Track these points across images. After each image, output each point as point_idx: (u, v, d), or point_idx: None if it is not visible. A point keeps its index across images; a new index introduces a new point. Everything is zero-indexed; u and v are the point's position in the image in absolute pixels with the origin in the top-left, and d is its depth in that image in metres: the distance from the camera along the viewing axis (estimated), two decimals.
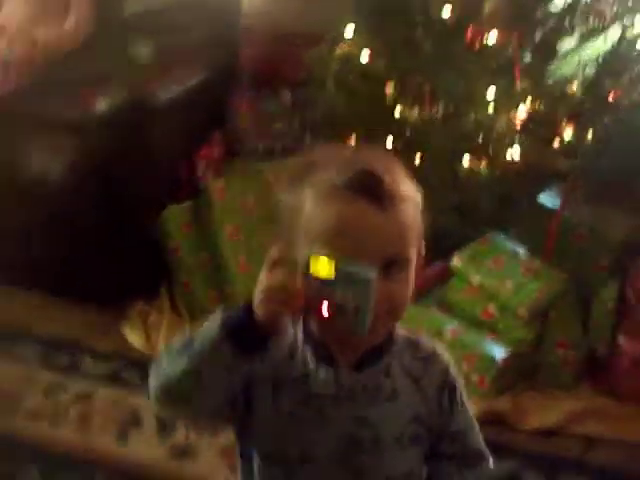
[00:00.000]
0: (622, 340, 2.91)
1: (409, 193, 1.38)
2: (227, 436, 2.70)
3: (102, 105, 3.04)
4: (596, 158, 2.85)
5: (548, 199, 3.03)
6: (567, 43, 2.88)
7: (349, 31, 3.06)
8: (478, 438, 1.54)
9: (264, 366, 1.33)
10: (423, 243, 1.43)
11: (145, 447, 2.69)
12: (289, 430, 1.42)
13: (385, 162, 1.41)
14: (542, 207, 3.02)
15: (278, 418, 1.42)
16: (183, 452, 2.66)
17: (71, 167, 3.07)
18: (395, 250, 1.35)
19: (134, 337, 3.14)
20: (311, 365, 1.42)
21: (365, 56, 3.00)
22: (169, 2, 3.64)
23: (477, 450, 1.53)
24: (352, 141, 3.10)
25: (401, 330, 1.49)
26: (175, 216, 3.22)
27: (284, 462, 1.43)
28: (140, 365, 3.00)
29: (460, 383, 1.51)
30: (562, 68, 2.84)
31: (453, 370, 1.51)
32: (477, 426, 1.54)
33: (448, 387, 1.48)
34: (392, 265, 1.35)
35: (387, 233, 1.34)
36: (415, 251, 1.39)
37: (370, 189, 1.32)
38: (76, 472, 2.57)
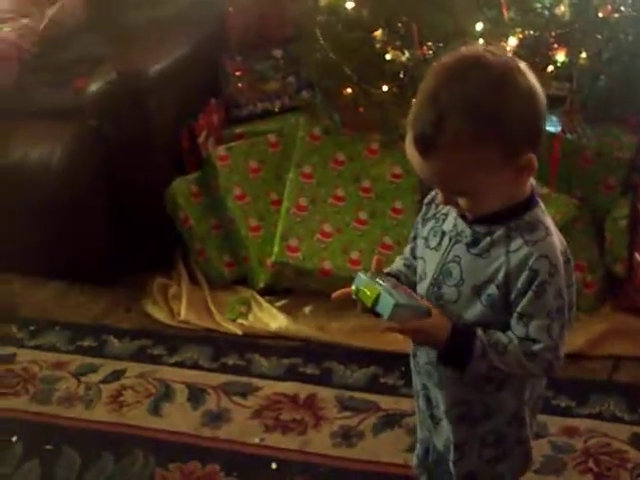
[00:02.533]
0: (639, 257, 2.91)
1: (456, 140, 1.50)
2: (256, 400, 2.74)
3: (95, 87, 3.02)
4: (592, 78, 2.83)
5: (549, 124, 3.01)
6: None
7: None
8: (543, 330, 1.60)
9: None
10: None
11: (178, 417, 2.71)
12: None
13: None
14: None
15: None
16: (216, 417, 2.69)
17: (72, 152, 3.08)
18: (442, 186, 1.61)
19: (157, 311, 3.17)
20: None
21: (350, 4, 2.98)
22: None
23: (535, 338, 1.60)
24: (348, 91, 3.10)
25: (533, 215, 1.61)
26: (182, 188, 3.23)
27: None
28: (166, 338, 3.04)
29: (547, 275, 1.57)
30: None
31: (544, 261, 1.57)
32: (553, 322, 1.60)
33: (529, 270, 1.57)
34: None
35: (428, 174, 1.57)
36: (476, 180, 1.55)
37: (415, 139, 1.54)
38: (114, 449, 2.60)
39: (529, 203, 1.62)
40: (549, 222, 1.63)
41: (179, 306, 3.16)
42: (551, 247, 1.59)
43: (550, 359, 1.62)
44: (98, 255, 3.19)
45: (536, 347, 1.60)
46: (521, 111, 1.52)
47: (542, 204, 1.64)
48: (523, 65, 1.57)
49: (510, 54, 2.71)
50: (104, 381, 2.89)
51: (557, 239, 1.62)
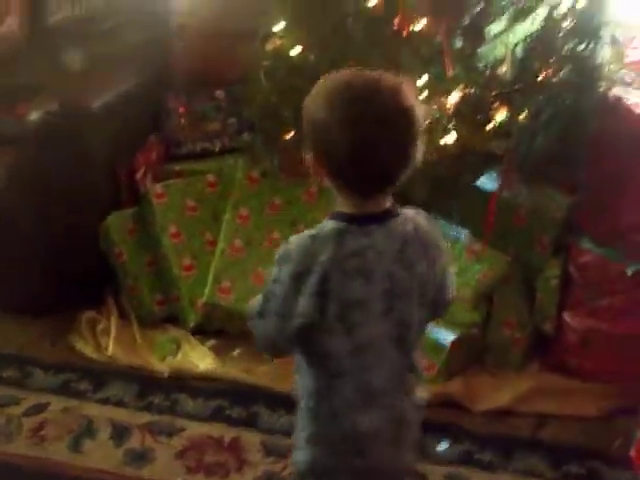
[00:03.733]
0: (567, 317, 2.95)
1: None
2: (181, 441, 2.72)
3: (36, 116, 3.00)
4: (530, 138, 2.87)
5: (486, 181, 3.05)
6: (496, 26, 2.89)
7: (279, 25, 3.07)
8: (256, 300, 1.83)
9: None
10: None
11: (100, 454, 2.68)
12: None
13: None
14: (481, 190, 3.04)
15: None
16: (140, 456, 2.66)
17: (9, 179, 3.04)
18: None
19: (84, 346, 3.14)
20: None
21: (296, 49, 3.00)
22: (99, 6, 3.62)
23: None
24: (290, 137, 3.11)
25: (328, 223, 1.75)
26: (117, 223, 3.22)
27: None
28: (92, 374, 3.00)
29: (275, 259, 1.77)
30: (492, 51, 2.85)
31: (281, 247, 1.77)
32: (262, 297, 1.80)
33: None
34: None
35: None
36: None
37: None
38: None
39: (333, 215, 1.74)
40: (326, 229, 1.72)
41: (107, 341, 3.12)
42: (295, 241, 1.73)
43: (250, 327, 1.85)
44: (28, 285, 3.15)
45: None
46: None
47: (354, 228, 1.72)
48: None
49: (451, 110, 2.78)
50: (26, 414, 2.85)
51: (317, 248, 1.70)
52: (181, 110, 3.50)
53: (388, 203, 1.74)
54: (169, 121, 3.50)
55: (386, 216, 1.74)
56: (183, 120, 3.50)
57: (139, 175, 3.29)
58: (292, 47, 3.01)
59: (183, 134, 3.49)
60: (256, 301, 1.81)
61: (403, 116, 1.67)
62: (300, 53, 2.99)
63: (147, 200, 3.22)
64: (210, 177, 3.29)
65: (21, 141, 3.06)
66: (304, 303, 1.70)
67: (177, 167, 3.43)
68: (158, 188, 3.23)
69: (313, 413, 1.80)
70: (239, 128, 3.51)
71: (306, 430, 1.81)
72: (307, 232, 1.74)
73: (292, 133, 3.08)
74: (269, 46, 3.11)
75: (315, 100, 1.70)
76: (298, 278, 1.70)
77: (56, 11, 3.59)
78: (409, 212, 1.79)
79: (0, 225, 3.05)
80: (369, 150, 1.65)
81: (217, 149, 3.51)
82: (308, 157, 1.72)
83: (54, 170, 3.04)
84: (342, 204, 1.74)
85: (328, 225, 1.73)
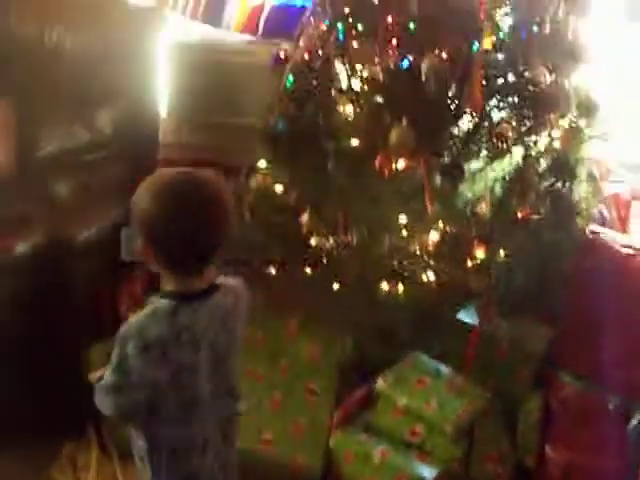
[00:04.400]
0: (549, 450, 2.95)
1: None
2: None
3: (22, 249, 3.03)
4: (509, 274, 2.92)
5: (467, 316, 3.09)
6: (474, 165, 2.96)
7: (262, 163, 3.14)
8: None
9: None
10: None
11: None
12: None
13: None
14: (461, 324, 3.08)
15: None
16: None
17: None
18: None
19: None
20: None
21: (279, 187, 3.06)
22: (84, 140, 3.68)
23: None
24: (271, 271, 3.15)
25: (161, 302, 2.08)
26: (99, 354, 3.21)
27: None
28: None
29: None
30: (471, 189, 2.92)
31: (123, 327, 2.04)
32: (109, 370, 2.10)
33: None
34: None
35: None
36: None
37: None
38: None
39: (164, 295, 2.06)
40: (160, 308, 2.03)
41: (86, 476, 3.10)
42: (135, 321, 2.04)
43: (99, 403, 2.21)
44: (7, 412, 3.13)
45: None
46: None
47: (184, 305, 2.03)
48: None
49: (431, 247, 2.83)
50: None
51: (155, 325, 2.00)
52: None
53: (212, 274, 2.11)
54: None
55: (211, 291, 2.08)
56: None
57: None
58: (275, 184, 3.08)
59: None
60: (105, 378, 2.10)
61: (218, 208, 2.05)
62: (283, 191, 3.05)
63: None
64: None
65: (5, 271, 3.08)
66: (149, 371, 1.98)
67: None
68: None
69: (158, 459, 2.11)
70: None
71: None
72: (144, 312, 2.05)
73: (275, 268, 3.13)
74: (253, 182, 3.17)
75: (144, 195, 2.01)
76: (143, 351, 1.96)
77: (44, 144, 3.67)
78: (230, 283, 2.17)
79: None
80: (189, 239, 1.99)
81: None
82: (139, 243, 2.03)
83: (37, 301, 3.05)
84: (171, 284, 2.07)
85: (161, 304, 2.04)
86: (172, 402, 2.03)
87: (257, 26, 3.73)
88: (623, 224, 3.54)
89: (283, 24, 3.71)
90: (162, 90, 3.75)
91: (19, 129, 3.65)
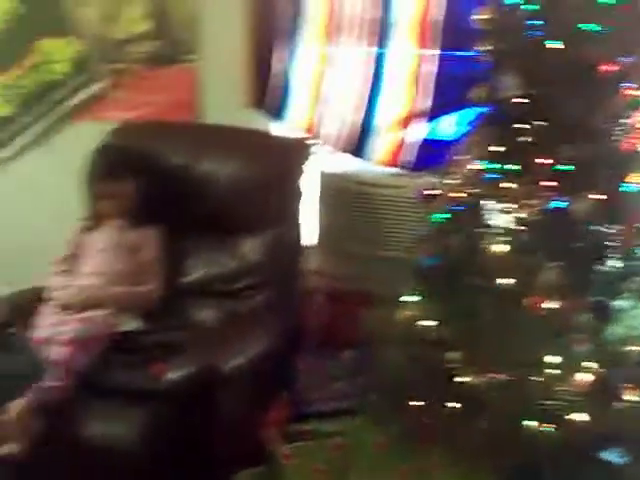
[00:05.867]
0: None
1: None
2: None
3: (172, 375, 3.11)
4: None
5: (614, 457, 3.02)
6: (624, 303, 2.94)
7: (409, 296, 3.17)
8: None
9: None
10: None
11: None
12: None
13: None
14: (608, 465, 3.01)
15: None
16: None
17: (142, 435, 3.12)
18: None
19: None
20: None
21: (426, 321, 3.08)
22: (229, 267, 3.78)
23: None
24: (415, 402, 3.15)
25: None
26: None
27: None
28: None
29: None
30: (621, 329, 2.90)
31: None
32: None
33: None
34: None
35: None
36: None
37: None
38: None
39: None
40: None
41: None
42: None
43: None
44: None
45: None
46: None
47: None
48: None
49: (581, 388, 2.80)
50: None
51: None
52: (309, 370, 3.59)
53: None
54: (297, 381, 3.58)
55: None
56: (310, 379, 3.58)
57: (269, 434, 3.35)
58: (423, 319, 3.10)
59: (310, 393, 3.57)
60: None
61: None
62: (430, 326, 3.07)
63: (276, 460, 3.26)
64: (337, 440, 3.32)
65: (155, 398, 3.16)
66: None
67: (303, 427, 3.48)
68: (287, 449, 3.28)
69: None
70: (365, 390, 3.57)
71: None
72: None
73: (419, 401, 3.13)
74: (398, 315, 3.20)
75: None
76: None
77: (191, 271, 3.79)
78: None
79: (135, 477, 3.10)
80: None
81: (342, 409, 3.56)
82: None
83: (186, 430, 3.11)
84: None
85: None
86: None
87: (399, 159, 3.80)
88: None
89: (429, 158, 3.78)
90: (308, 220, 3.84)
91: (166, 257, 3.80)
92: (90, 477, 3.17)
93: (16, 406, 3.06)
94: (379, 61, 3.78)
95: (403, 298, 3.22)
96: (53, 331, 3.42)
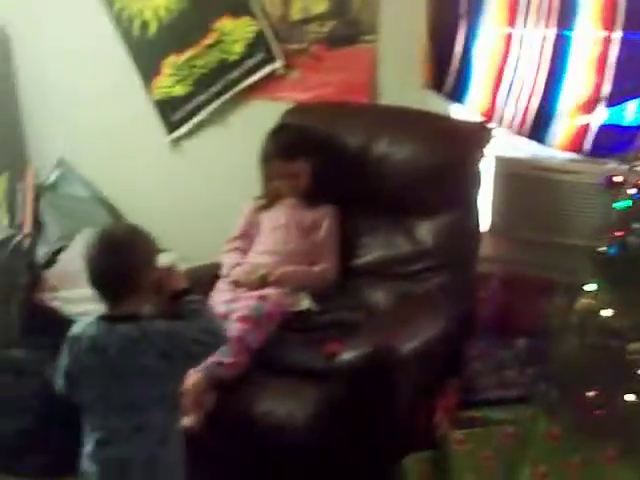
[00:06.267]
0: None
1: None
2: None
3: (347, 356, 3.11)
4: None
5: None
6: None
7: (590, 285, 3.10)
8: None
9: None
10: None
11: None
12: None
13: None
14: None
15: None
16: None
17: (314, 414, 3.14)
18: None
19: None
20: None
21: (607, 313, 3.01)
22: (404, 250, 3.76)
23: None
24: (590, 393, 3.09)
25: None
26: (414, 465, 3.24)
27: None
28: None
29: None
30: None
31: None
32: None
33: None
34: None
35: None
36: None
37: None
38: None
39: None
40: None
41: None
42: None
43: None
44: None
45: None
46: None
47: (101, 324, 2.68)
48: None
49: None
50: None
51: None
52: (480, 356, 3.55)
53: (134, 309, 2.66)
54: (467, 367, 3.55)
55: (124, 319, 2.63)
56: (481, 366, 3.55)
57: (437, 419, 3.33)
58: (602, 308, 3.03)
59: (480, 380, 3.53)
60: None
61: (120, 244, 2.66)
62: (611, 315, 3.00)
63: (445, 446, 3.23)
64: (508, 428, 3.28)
65: (329, 378, 3.16)
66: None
67: (473, 413, 3.45)
68: (458, 435, 3.25)
69: None
70: (535, 378, 3.51)
71: None
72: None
73: (594, 391, 3.06)
74: (578, 304, 3.14)
75: None
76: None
77: (365, 252, 3.80)
78: (144, 322, 2.63)
79: (306, 456, 3.12)
80: (94, 269, 2.65)
81: (512, 397, 3.51)
82: None
83: (358, 410, 3.11)
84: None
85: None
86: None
87: (581, 145, 3.71)
88: None
89: (610, 144, 3.67)
90: (484, 204, 3.79)
91: (341, 237, 3.81)
92: (259, 454, 3.21)
93: (192, 378, 3.11)
94: (562, 43, 3.69)
95: (582, 286, 3.15)
96: (227, 308, 3.49)
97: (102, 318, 2.68)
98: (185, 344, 2.66)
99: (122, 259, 2.64)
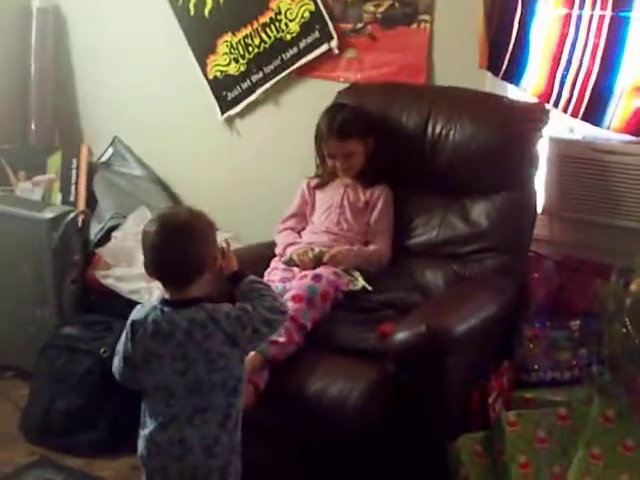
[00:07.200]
0: None
1: None
2: None
3: (401, 335, 3.13)
4: None
5: None
6: None
7: None
8: None
9: None
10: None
11: None
12: None
13: None
14: None
15: None
16: None
17: (368, 393, 3.15)
18: None
19: None
20: None
21: None
22: (459, 230, 3.76)
23: None
24: None
25: None
26: (467, 445, 3.25)
27: None
28: None
29: None
30: None
31: None
32: None
33: None
34: None
35: None
36: None
37: None
38: None
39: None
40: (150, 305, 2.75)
41: None
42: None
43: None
44: None
45: None
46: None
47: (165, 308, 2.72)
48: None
49: None
50: None
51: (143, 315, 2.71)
52: (534, 337, 3.55)
53: (197, 293, 2.69)
54: (521, 347, 3.55)
55: (188, 303, 2.66)
56: (535, 347, 3.54)
57: (491, 400, 3.34)
58: None
59: (534, 361, 3.53)
60: None
61: (184, 230, 2.65)
62: None
63: (499, 426, 3.24)
64: (562, 410, 3.27)
65: (382, 357, 3.19)
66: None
67: (526, 394, 3.46)
68: (512, 416, 3.25)
69: None
70: (589, 360, 3.51)
71: None
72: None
73: None
74: (633, 286, 3.13)
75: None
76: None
77: (421, 232, 3.80)
78: (209, 306, 2.67)
79: (357, 435, 3.14)
80: (158, 255, 2.66)
81: (566, 379, 3.51)
82: None
83: (411, 389, 3.12)
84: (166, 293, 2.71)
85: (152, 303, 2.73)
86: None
87: (637, 127, 3.67)
88: None
89: None
90: (540, 186, 3.77)
91: (396, 217, 3.82)
92: (311, 432, 3.24)
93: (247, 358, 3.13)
94: (619, 25, 3.65)
95: (635, 268, 3.14)
96: (281, 287, 3.50)
97: (165, 302, 2.71)
98: (254, 325, 2.70)
99: (187, 245, 2.65)
